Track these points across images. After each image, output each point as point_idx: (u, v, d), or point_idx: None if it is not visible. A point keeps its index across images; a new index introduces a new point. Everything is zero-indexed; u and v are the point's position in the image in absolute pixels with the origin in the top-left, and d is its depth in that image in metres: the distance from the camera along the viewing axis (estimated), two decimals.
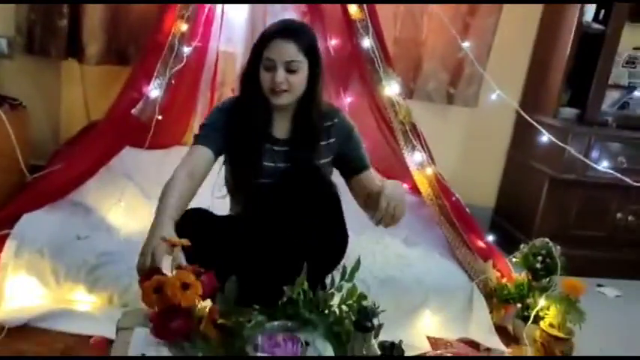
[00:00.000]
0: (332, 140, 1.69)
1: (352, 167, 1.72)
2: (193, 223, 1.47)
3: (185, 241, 1.24)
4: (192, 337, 1.14)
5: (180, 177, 1.47)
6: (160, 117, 2.17)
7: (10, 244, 1.87)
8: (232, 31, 2.63)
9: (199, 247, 1.31)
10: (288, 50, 1.53)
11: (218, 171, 1.70)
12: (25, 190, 2.17)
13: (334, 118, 1.69)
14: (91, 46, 2.61)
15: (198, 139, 1.60)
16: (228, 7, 2.52)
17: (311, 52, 1.58)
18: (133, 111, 2.15)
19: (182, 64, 2.18)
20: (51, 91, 2.81)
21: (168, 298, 1.09)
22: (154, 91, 2.16)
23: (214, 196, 1.73)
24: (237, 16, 2.62)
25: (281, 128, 1.67)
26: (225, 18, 2.53)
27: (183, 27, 2.18)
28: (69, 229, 1.98)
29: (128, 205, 2.19)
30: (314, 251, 1.47)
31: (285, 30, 1.57)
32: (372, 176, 1.71)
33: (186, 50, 2.20)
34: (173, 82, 2.19)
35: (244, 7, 2.60)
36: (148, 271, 1.17)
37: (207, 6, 2.27)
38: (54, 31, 2.58)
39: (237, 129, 1.61)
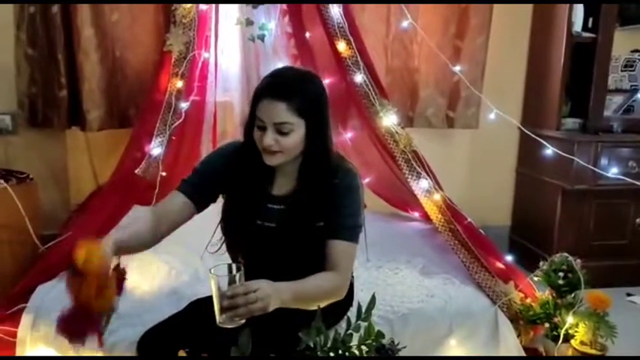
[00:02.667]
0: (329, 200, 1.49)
1: (325, 229, 1.48)
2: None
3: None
4: None
5: (144, 210, 1.43)
6: (164, 173, 2.19)
7: (26, 318, 1.86)
8: (227, 80, 2.69)
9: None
10: (278, 112, 1.38)
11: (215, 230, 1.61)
12: (38, 261, 2.17)
13: (338, 178, 1.49)
14: (92, 113, 2.67)
15: (181, 185, 1.53)
16: (222, 58, 2.58)
17: (307, 110, 1.41)
18: (137, 171, 2.18)
19: (181, 120, 2.24)
20: (57, 161, 2.86)
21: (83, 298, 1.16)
22: (156, 149, 2.21)
23: (208, 250, 1.65)
24: (231, 66, 2.69)
25: (284, 184, 1.54)
26: (219, 69, 2.58)
27: (179, 84, 2.25)
28: None
29: (139, 264, 2.18)
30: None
31: (275, 88, 1.40)
32: (336, 251, 1.46)
33: (184, 105, 2.25)
34: (174, 138, 2.23)
35: (237, 56, 2.67)
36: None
37: (201, 60, 2.32)
38: (55, 102, 2.65)
39: (233, 181, 1.51)
